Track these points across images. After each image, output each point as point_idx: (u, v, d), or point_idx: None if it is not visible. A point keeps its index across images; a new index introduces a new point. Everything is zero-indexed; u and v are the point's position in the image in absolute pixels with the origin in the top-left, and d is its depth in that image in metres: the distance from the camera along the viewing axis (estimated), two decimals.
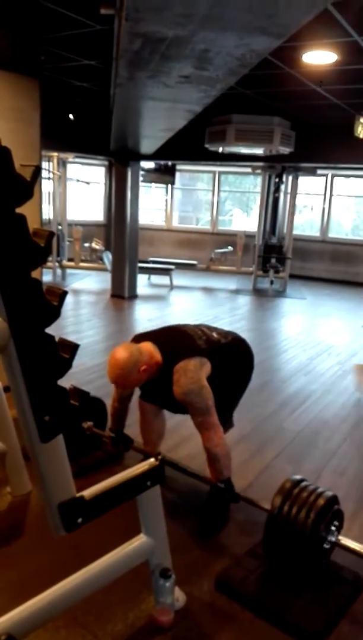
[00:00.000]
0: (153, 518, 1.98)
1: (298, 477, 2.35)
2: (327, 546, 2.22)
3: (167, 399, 2.54)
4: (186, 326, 2.70)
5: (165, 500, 2.01)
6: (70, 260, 10.56)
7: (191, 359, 2.43)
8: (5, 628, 1.54)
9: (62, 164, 10.53)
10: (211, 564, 2.38)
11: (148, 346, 2.51)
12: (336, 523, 2.26)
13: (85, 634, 1.98)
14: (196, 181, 14.10)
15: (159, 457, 1.99)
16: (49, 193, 10.33)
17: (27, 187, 1.40)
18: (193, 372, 2.39)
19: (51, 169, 10.09)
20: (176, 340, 2.55)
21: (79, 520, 1.69)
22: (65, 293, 1.54)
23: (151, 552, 1.98)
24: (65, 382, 1.61)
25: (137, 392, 2.90)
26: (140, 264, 9.44)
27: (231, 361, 2.63)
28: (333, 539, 2.22)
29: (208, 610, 2.13)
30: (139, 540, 1.97)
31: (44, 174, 9.89)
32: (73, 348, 1.58)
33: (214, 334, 2.65)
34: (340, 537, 2.25)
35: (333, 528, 2.24)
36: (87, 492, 1.73)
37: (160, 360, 2.48)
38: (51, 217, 10.41)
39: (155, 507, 1.97)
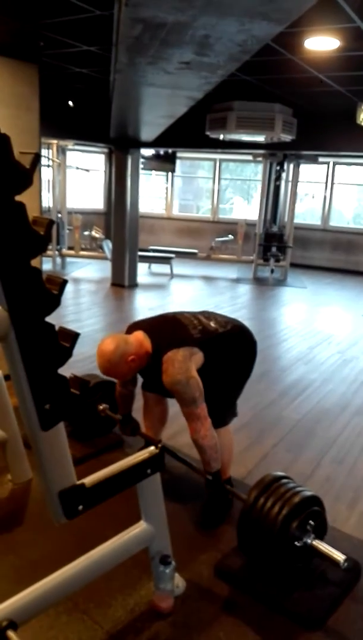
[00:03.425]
0: (153, 505, 1.99)
1: (281, 473, 2.31)
2: (299, 546, 2.09)
3: (163, 387, 2.55)
4: (183, 314, 2.65)
5: (165, 487, 2.02)
6: (70, 248, 10.51)
7: (180, 348, 2.40)
8: (7, 614, 1.55)
9: (62, 151, 10.46)
10: (210, 550, 2.40)
11: (138, 335, 2.50)
12: (312, 523, 2.12)
13: (86, 619, 2.00)
14: (196, 169, 14.01)
15: (160, 445, 2.00)
16: (48, 181, 10.26)
17: (27, 175, 1.39)
18: (181, 363, 2.36)
19: (51, 157, 10.03)
20: (167, 330, 2.53)
21: (80, 507, 1.71)
22: (65, 282, 1.53)
23: (151, 539, 2.00)
24: (65, 370, 1.61)
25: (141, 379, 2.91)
26: (140, 253, 9.41)
27: (229, 350, 2.59)
28: (309, 540, 2.09)
29: (207, 596, 2.15)
30: (140, 528, 1.98)
31: (44, 161, 9.83)
32: (73, 337, 1.58)
33: (212, 323, 2.59)
34: (316, 542, 2.10)
35: (308, 528, 2.11)
36: (88, 480, 1.74)
37: (150, 349, 2.47)
38: (51, 205, 10.36)
39: (155, 494, 1.98)
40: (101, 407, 3.21)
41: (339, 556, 2.03)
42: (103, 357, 2.41)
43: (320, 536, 2.15)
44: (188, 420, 2.44)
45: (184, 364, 2.36)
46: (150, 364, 2.50)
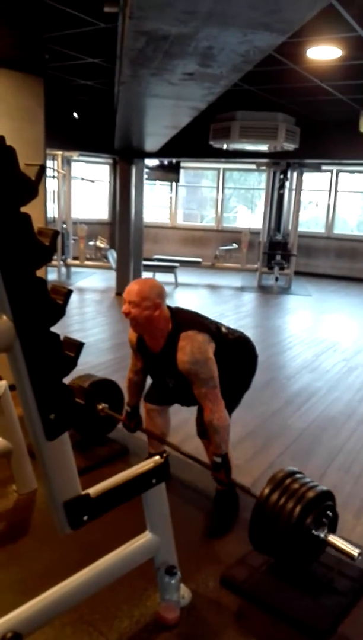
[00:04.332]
0: (158, 515, 1.98)
1: (293, 468, 2.33)
2: (314, 538, 2.11)
3: (170, 385, 2.56)
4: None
5: (170, 497, 2.01)
6: (75, 258, 10.56)
7: (200, 332, 2.47)
8: (11, 626, 1.55)
9: (67, 162, 10.53)
10: (216, 561, 2.39)
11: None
12: (329, 514, 2.16)
13: (91, 631, 1.99)
14: (200, 178, 14.07)
15: (165, 454, 1.99)
16: (53, 191, 10.33)
17: (32, 186, 1.40)
18: (201, 343, 2.43)
19: (56, 168, 10.10)
20: (190, 316, 2.62)
21: (85, 517, 1.70)
22: (70, 292, 1.54)
23: (157, 550, 1.99)
24: (69, 379, 1.61)
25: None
26: (145, 262, 9.44)
27: (233, 357, 2.64)
28: (322, 535, 2.12)
29: (213, 607, 2.13)
30: (145, 538, 1.97)
31: (49, 172, 9.89)
32: (78, 346, 1.59)
33: (223, 329, 2.71)
34: (330, 536, 2.13)
35: (324, 521, 2.13)
36: (93, 490, 1.74)
37: (170, 326, 2.50)
38: (56, 215, 10.42)
39: (160, 504, 1.97)
40: (100, 407, 3.15)
41: (353, 550, 2.03)
42: (140, 282, 2.50)
43: (333, 531, 2.16)
44: (203, 402, 2.46)
45: (204, 345, 2.44)
46: (164, 347, 2.51)
